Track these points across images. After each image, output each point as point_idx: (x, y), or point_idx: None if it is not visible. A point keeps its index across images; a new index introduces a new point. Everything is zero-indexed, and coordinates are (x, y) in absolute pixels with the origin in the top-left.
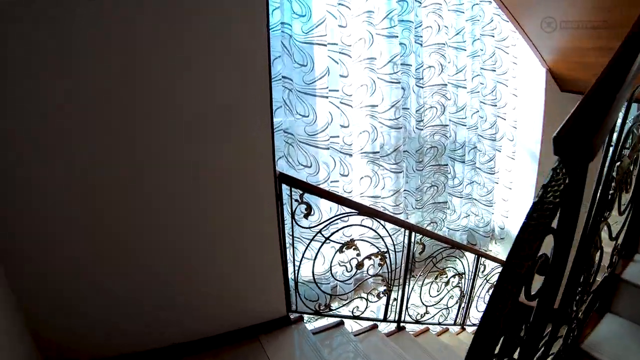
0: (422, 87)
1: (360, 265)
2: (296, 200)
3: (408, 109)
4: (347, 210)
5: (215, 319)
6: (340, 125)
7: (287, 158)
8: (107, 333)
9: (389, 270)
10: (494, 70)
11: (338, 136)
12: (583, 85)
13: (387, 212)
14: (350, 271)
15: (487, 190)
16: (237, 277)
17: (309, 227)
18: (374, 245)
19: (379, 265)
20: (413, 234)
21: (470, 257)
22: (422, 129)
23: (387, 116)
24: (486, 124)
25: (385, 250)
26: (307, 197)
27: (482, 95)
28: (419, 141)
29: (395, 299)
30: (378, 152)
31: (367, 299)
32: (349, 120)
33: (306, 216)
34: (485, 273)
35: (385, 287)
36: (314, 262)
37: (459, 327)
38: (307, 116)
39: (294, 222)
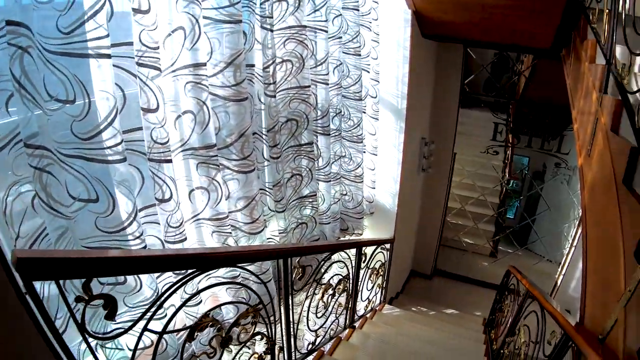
0: (271, 31)
1: (226, 341)
2: (81, 299)
3: (253, 66)
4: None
5: None
6: (144, 109)
7: (39, 194)
8: None
9: (268, 322)
10: (357, 10)
11: (140, 128)
12: (450, 28)
13: (240, 232)
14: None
15: (355, 164)
16: None
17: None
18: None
19: (252, 324)
20: (290, 259)
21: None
22: (273, 96)
23: (221, 81)
24: (349, 80)
25: (258, 302)
26: None
27: (344, 42)
28: (270, 114)
29: (281, 348)
30: (213, 145)
31: None
32: (156, 96)
33: (110, 316)
34: (365, 261)
35: (266, 346)
36: None
37: (348, 328)
38: (72, 101)
39: (86, 336)
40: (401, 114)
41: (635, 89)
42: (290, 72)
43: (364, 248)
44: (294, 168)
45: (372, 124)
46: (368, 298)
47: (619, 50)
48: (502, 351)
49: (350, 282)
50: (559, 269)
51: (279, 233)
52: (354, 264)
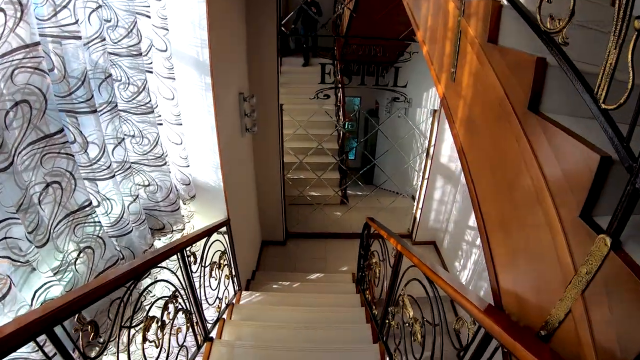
0: None
1: None
2: None
3: None
4: None
5: None
6: None
7: None
8: None
9: None
10: None
11: None
12: None
13: None
14: None
15: (151, 142)
16: None
17: None
18: None
19: None
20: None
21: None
22: None
23: None
24: (121, 30)
25: None
26: None
27: None
28: None
29: None
30: None
31: None
32: None
33: None
34: (197, 262)
35: None
36: None
37: (204, 343)
38: None
39: None
40: (205, 68)
41: None
42: (5, 28)
43: (188, 248)
44: (48, 173)
45: (168, 86)
46: (217, 297)
47: None
48: (387, 321)
49: (184, 296)
50: (415, 204)
51: (55, 274)
52: (181, 274)
